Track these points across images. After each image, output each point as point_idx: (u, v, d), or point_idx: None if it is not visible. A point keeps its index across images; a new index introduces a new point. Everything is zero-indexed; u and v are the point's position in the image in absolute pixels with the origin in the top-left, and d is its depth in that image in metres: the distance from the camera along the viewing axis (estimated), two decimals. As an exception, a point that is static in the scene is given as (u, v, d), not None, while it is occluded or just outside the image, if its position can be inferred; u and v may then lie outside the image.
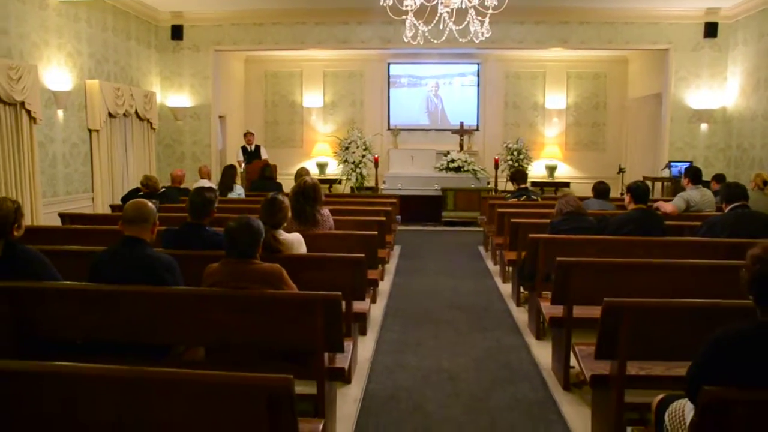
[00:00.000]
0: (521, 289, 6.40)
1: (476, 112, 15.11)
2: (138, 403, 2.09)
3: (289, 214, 4.53)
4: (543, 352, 4.95)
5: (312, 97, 15.09)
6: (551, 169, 15.01)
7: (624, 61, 14.73)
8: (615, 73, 14.89)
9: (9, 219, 3.32)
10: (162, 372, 2.10)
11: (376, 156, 13.39)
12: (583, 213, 5.55)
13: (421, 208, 12.23)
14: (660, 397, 2.67)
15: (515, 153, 13.73)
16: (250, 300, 3.19)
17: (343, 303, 3.94)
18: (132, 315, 3.25)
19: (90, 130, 9.07)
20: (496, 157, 13.35)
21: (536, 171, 14.83)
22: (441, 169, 12.81)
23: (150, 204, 3.51)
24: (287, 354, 3.40)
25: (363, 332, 5.34)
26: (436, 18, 6.29)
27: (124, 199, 7.96)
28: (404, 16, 6.35)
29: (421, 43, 6.94)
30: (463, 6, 6.24)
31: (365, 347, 5.07)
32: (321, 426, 2.70)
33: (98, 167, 9.21)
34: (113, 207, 8.17)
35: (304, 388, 3.19)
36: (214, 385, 2.05)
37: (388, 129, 14.99)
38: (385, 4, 6.19)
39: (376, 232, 5.48)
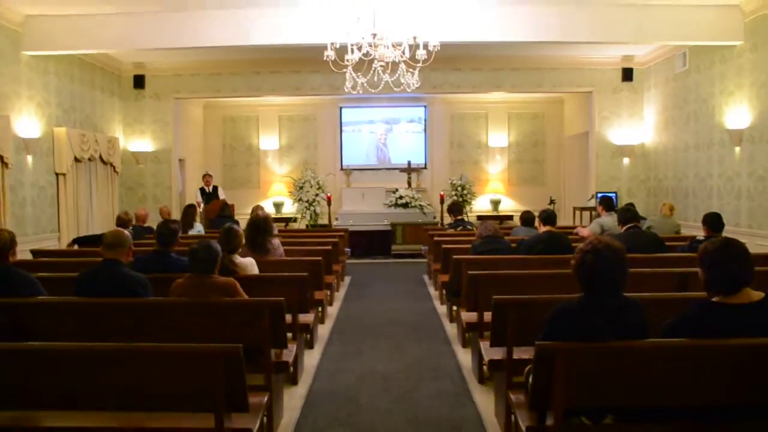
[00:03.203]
0: (454, 307, 7.20)
1: (424, 151, 16.11)
2: (131, 367, 2.82)
3: (244, 241, 5.29)
4: (466, 357, 5.73)
5: (268, 140, 15.90)
6: (495, 203, 16.02)
7: (560, 102, 15.93)
8: (552, 113, 16.09)
9: (6, 246, 4.01)
10: (149, 345, 2.85)
11: (329, 194, 14.20)
12: (499, 236, 6.43)
13: (371, 243, 12.98)
14: (529, 367, 3.47)
15: (459, 188, 14.68)
16: (210, 307, 3.93)
17: (290, 316, 4.74)
18: (111, 323, 3.94)
19: (57, 174, 9.70)
20: (442, 193, 14.29)
21: (481, 205, 15.81)
22: (390, 206, 13.69)
23: (126, 232, 4.25)
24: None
25: (310, 346, 6.06)
26: (372, 70, 7.22)
27: (78, 240, 8.59)
28: (344, 69, 7.25)
29: (360, 91, 7.86)
30: (397, 60, 7.17)
31: (312, 358, 5.79)
32: (266, 398, 3.43)
33: (64, 208, 9.81)
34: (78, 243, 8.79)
35: (256, 382, 3.90)
36: (187, 353, 2.81)
37: (341, 169, 15.85)
38: (327, 59, 7.10)
39: (320, 258, 6.25)
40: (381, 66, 7.06)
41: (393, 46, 6.96)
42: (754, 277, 2.91)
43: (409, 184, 14.64)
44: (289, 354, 4.26)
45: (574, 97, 14.60)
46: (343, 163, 16.01)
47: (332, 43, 6.87)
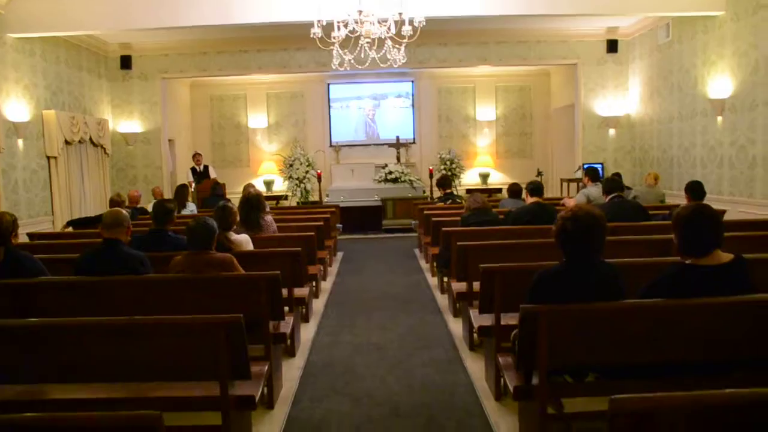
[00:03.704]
0: (444, 279, 7.37)
1: (412, 126, 16.18)
2: (136, 340, 2.96)
3: (238, 218, 5.41)
4: (457, 326, 5.92)
5: (257, 118, 15.92)
6: (484, 177, 16.16)
7: (547, 74, 16.00)
8: (539, 85, 16.16)
9: (8, 229, 4.11)
10: (155, 318, 2.99)
11: (319, 171, 14.29)
12: (488, 208, 6.59)
13: (362, 218, 13.12)
14: (515, 331, 3.63)
15: (448, 162, 14.81)
16: (209, 281, 4.07)
17: (286, 290, 4.90)
18: (113, 300, 4.07)
19: (48, 157, 9.75)
20: (431, 167, 14.42)
21: (470, 179, 15.94)
22: (380, 181, 13.82)
23: (124, 212, 4.36)
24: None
25: (306, 319, 6.22)
26: (359, 47, 7.30)
27: (73, 222, 8.68)
28: (331, 47, 7.33)
29: (348, 68, 7.93)
30: (383, 36, 7.25)
31: (308, 331, 5.96)
32: (267, 367, 3.59)
33: (57, 191, 9.87)
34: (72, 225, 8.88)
35: (256, 353, 4.06)
36: (191, 324, 2.96)
37: (330, 146, 15.92)
38: (314, 36, 7.17)
39: (313, 233, 6.39)
40: (367, 43, 7.14)
41: (379, 22, 7.03)
42: (724, 240, 3.09)
43: (398, 159, 14.73)
44: (286, 326, 4.42)
45: (560, 69, 14.67)
46: (332, 140, 16.07)
47: (318, 21, 6.94)
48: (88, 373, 3.06)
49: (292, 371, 4.87)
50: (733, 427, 1.89)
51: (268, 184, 15.67)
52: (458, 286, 5.42)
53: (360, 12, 6.81)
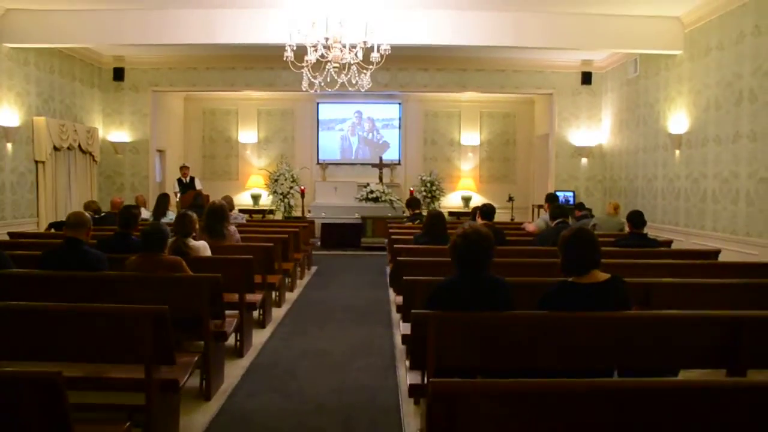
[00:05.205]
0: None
1: (398, 148, 16.64)
2: (77, 325, 3.37)
3: (197, 226, 5.82)
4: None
5: (247, 134, 16.39)
6: (467, 200, 16.55)
7: (531, 102, 16.44)
8: (523, 113, 16.60)
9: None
10: (93, 305, 3.41)
11: (302, 187, 14.74)
12: (439, 232, 6.95)
13: (343, 235, 13.51)
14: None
15: (429, 184, 15.24)
16: (156, 281, 4.46)
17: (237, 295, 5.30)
18: (71, 294, 4.45)
19: (36, 162, 10.19)
20: (412, 189, 14.85)
21: (453, 201, 16.33)
22: (361, 200, 14.23)
23: (87, 214, 4.78)
24: (185, 322, 4.66)
25: (263, 325, 6.61)
26: (326, 71, 7.78)
27: (55, 224, 9.08)
28: (301, 70, 7.81)
29: (318, 90, 8.41)
30: (351, 61, 7.71)
31: (262, 336, 6.33)
32: (196, 358, 3.98)
33: (43, 195, 10.30)
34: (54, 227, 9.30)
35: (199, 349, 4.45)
36: (124, 312, 3.38)
37: (317, 163, 16.37)
38: (287, 60, 7.64)
39: (272, 245, 6.80)
40: (335, 67, 7.61)
41: (349, 48, 7.50)
42: (601, 261, 3.50)
43: (381, 179, 15.16)
44: (228, 326, 4.81)
45: (543, 98, 15.11)
46: (320, 158, 16.53)
47: (290, 45, 7.42)
48: (38, 353, 3.44)
49: (236, 370, 5.24)
50: (526, 407, 2.28)
51: (256, 198, 16.10)
52: (399, 299, 5.81)
53: (327, 39, 7.28)
